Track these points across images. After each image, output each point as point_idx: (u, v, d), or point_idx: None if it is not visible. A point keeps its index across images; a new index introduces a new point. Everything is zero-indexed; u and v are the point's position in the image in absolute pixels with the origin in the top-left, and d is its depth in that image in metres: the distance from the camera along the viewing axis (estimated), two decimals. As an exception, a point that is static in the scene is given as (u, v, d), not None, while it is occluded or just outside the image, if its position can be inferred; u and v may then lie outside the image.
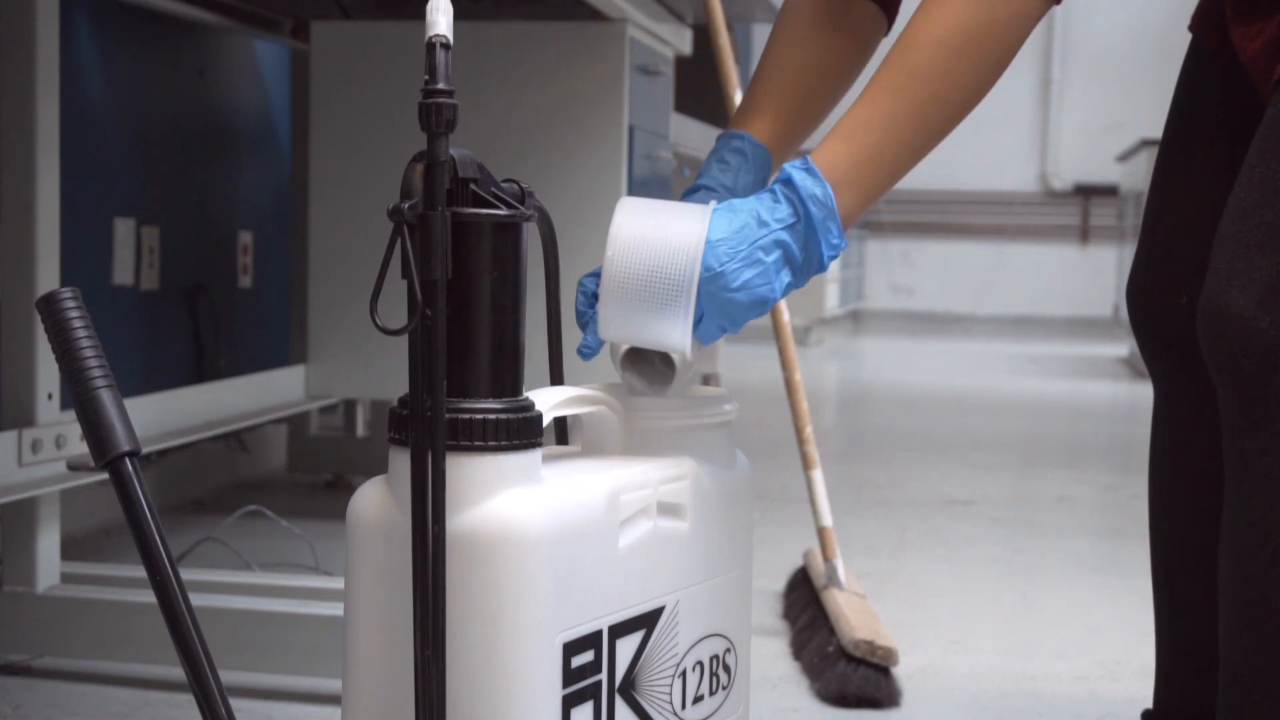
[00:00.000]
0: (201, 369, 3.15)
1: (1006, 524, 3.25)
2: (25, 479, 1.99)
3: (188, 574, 2.11)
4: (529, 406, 1.08)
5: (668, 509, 1.19)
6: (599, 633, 1.12)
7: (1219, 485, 1.29)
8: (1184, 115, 1.51)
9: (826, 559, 2.28)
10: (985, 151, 8.68)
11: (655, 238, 1.19)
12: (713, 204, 1.22)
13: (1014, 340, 8.66)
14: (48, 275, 2.10)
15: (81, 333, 1.06)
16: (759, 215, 1.19)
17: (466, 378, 1.07)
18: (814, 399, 5.64)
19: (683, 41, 3.30)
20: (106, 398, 1.06)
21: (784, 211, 1.20)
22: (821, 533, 2.30)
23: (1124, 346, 7.31)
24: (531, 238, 1.12)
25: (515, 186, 1.10)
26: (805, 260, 1.21)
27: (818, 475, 2.34)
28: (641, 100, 2.97)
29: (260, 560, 2.50)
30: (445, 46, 1.02)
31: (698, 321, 1.19)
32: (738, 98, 2.32)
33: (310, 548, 2.56)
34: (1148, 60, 8.25)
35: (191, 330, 3.14)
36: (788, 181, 1.20)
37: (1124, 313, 1.57)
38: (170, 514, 2.98)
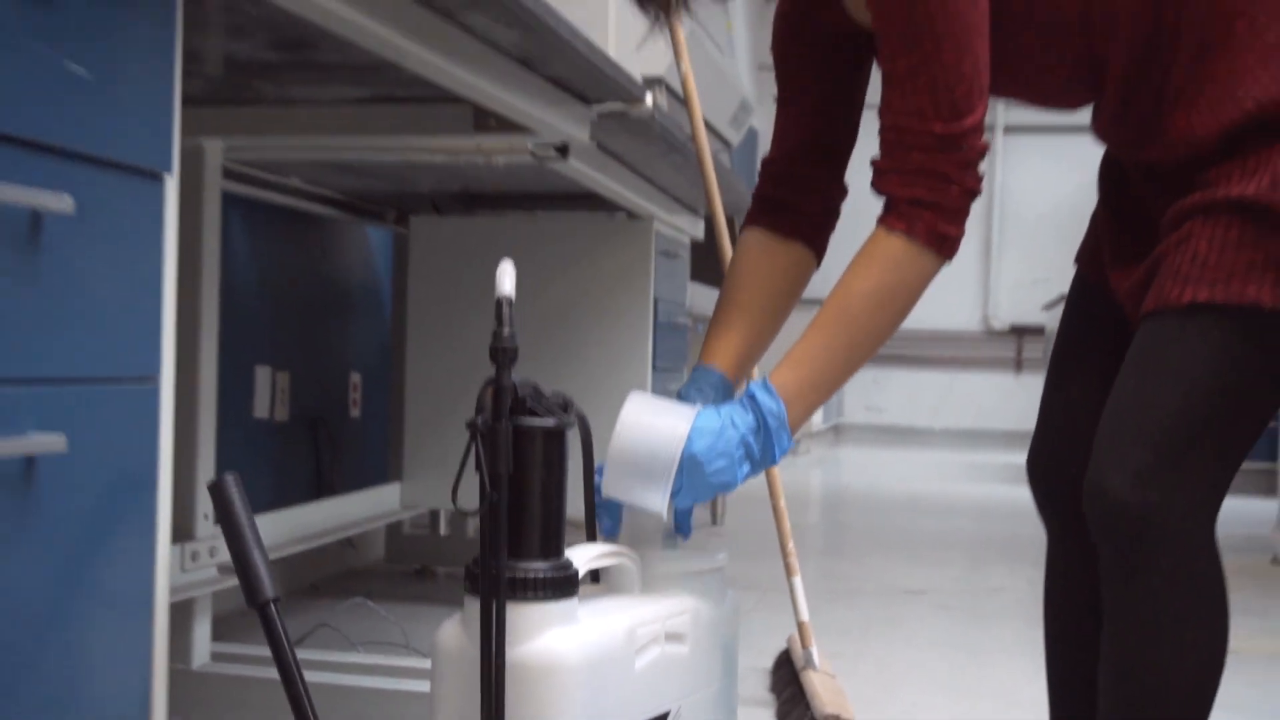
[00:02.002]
0: (320, 485, 3.16)
1: (953, 611, 3.19)
2: (186, 582, 2.04)
3: (306, 653, 2.14)
4: (568, 566, 1.11)
5: (673, 636, 1.21)
6: (621, 735, 1.14)
7: (1098, 617, 1.30)
8: (1075, 325, 1.50)
9: (804, 646, 2.29)
10: (939, 299, 8.37)
11: (652, 426, 1.21)
12: (699, 406, 1.25)
13: (963, 450, 8.52)
14: (207, 413, 2.16)
15: (240, 507, 1.10)
16: (732, 419, 1.22)
17: (522, 545, 1.10)
18: (800, 501, 5.54)
19: (696, 229, 3.35)
20: (257, 556, 1.09)
21: (750, 420, 1.23)
22: (800, 626, 2.31)
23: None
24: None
25: (562, 398, 1.13)
26: (762, 457, 1.23)
27: (797, 580, 2.36)
28: (664, 277, 3.03)
29: (363, 639, 2.50)
30: (509, 303, 1.07)
31: (676, 492, 1.21)
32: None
33: (401, 630, 2.57)
34: (1067, 228, 8.07)
35: (313, 454, 3.16)
36: (753, 398, 1.23)
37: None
38: (293, 598, 2.97)
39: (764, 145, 1.51)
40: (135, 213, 1.08)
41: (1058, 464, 1.45)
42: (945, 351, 9.08)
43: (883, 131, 1.24)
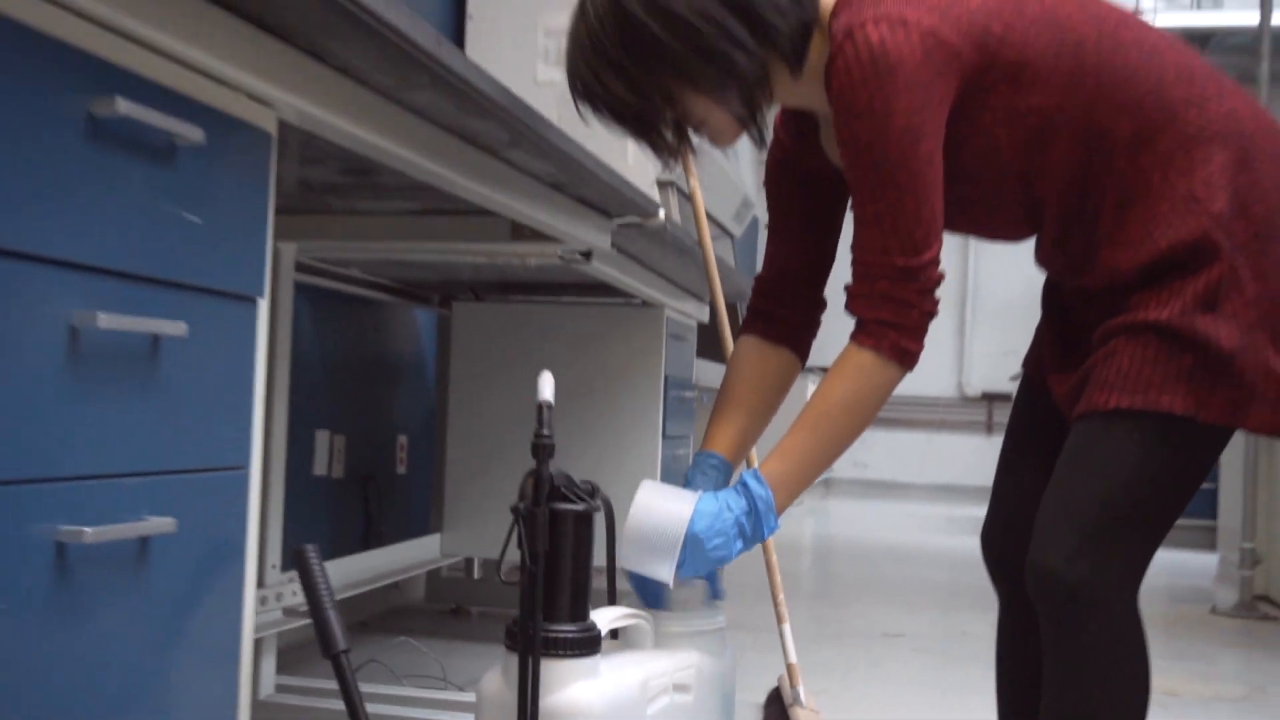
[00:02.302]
0: (369, 535, 3.17)
1: (928, 653, 3.16)
2: (259, 623, 2.08)
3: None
4: (592, 628, 1.16)
5: (680, 687, 1.25)
6: (634, 772, 1.17)
7: (1039, 669, 1.32)
8: (1022, 420, 1.52)
9: (793, 685, 2.28)
10: (919, 369, 8.29)
11: (659, 509, 1.26)
12: (700, 492, 1.29)
13: (940, 503, 8.42)
14: (276, 476, 2.22)
15: (317, 573, 1.16)
16: (728, 503, 1.27)
17: (554, 609, 1.14)
18: (794, 549, 5.47)
19: (702, 313, 3.38)
20: (331, 615, 1.15)
21: (743, 504, 1.27)
22: (789, 667, 2.30)
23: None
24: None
25: (590, 485, 1.18)
26: (753, 535, 1.28)
27: (786, 627, 2.35)
28: (674, 358, 3.07)
29: (406, 673, 2.51)
30: (549, 407, 1.13)
31: (681, 564, 1.26)
32: (730, 346, 2.40)
33: (440, 664, 2.58)
34: (1031, 306, 7.97)
35: (364, 507, 3.16)
36: (745, 485, 1.28)
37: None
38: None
39: (765, 231, 1.57)
40: (233, 331, 1.15)
41: (1006, 541, 1.48)
42: (924, 415, 9.07)
43: (854, 264, 1.29)
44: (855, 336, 1.29)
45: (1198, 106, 1.27)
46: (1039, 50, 1.27)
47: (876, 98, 1.22)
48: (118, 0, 0.97)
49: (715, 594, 1.37)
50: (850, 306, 1.30)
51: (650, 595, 1.33)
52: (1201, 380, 1.24)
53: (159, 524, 1.04)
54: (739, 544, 1.28)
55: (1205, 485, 4.98)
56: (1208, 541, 5.51)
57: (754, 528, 1.28)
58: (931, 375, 8.92)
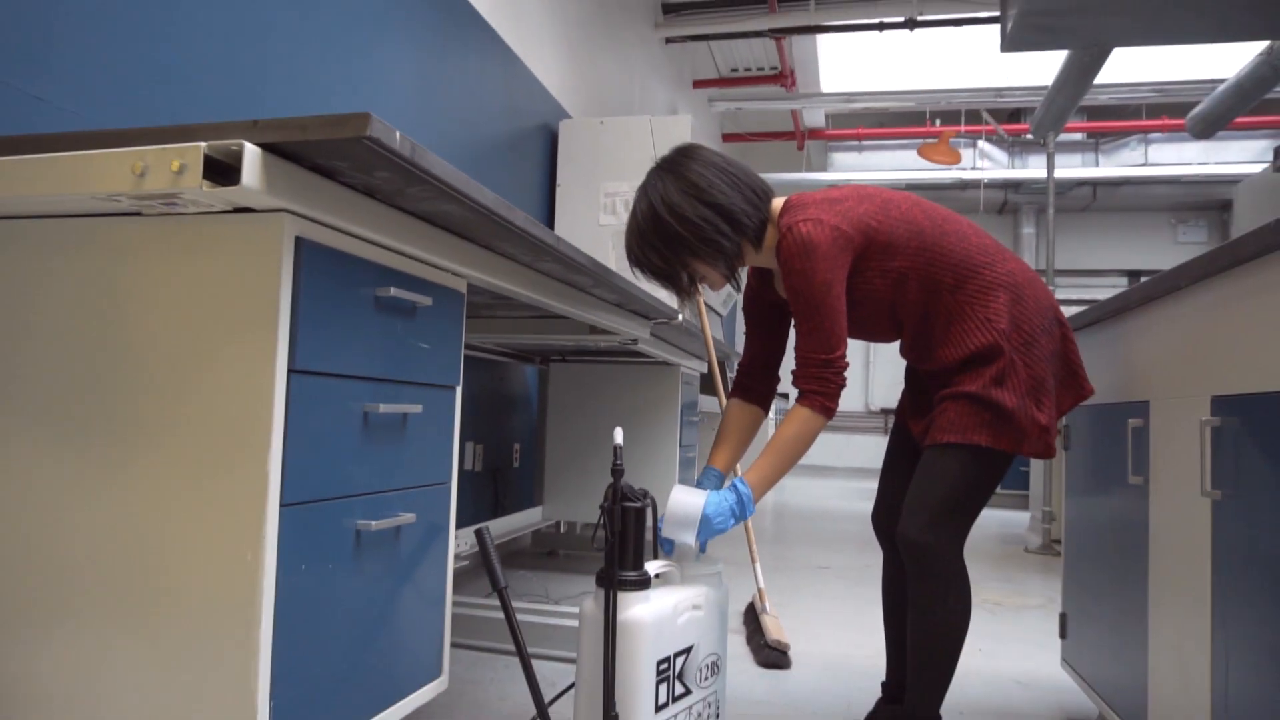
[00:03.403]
0: (497, 507, 3.20)
1: (847, 578, 3.14)
2: None
3: (496, 603, 2.23)
4: (645, 573, 1.24)
5: (696, 607, 1.31)
6: (669, 656, 1.24)
7: (905, 597, 1.41)
8: (895, 446, 1.54)
9: (761, 600, 2.31)
10: (844, 394, 8.44)
11: (685, 501, 1.32)
12: (708, 493, 1.36)
13: (853, 480, 8.23)
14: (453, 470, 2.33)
15: (489, 542, 1.27)
16: (725, 497, 1.33)
17: (624, 563, 1.23)
18: (762, 511, 5.37)
19: (702, 367, 3.37)
20: (497, 565, 1.26)
21: (734, 497, 1.33)
22: (759, 590, 2.34)
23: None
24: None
25: (644, 490, 1.27)
26: (740, 516, 1.33)
27: (758, 566, 2.42)
28: (686, 396, 3.09)
29: (523, 592, 2.55)
30: (620, 448, 1.22)
31: (698, 534, 1.32)
32: (722, 392, 2.47)
33: (544, 588, 2.63)
34: None
35: (493, 490, 3.19)
36: (735, 487, 1.35)
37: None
38: (482, 572, 2.99)
39: (743, 316, 1.63)
40: (444, 406, 1.28)
41: (887, 518, 1.54)
42: (844, 422, 9.01)
43: (796, 358, 1.36)
44: (798, 400, 1.38)
45: (990, 268, 1.38)
46: (898, 235, 1.38)
47: (806, 265, 1.32)
48: (393, 233, 1.13)
49: (702, 549, 1.43)
50: (795, 383, 1.37)
51: (666, 548, 1.40)
52: (996, 426, 1.32)
53: (406, 518, 1.17)
54: (731, 521, 1.35)
55: (1021, 468, 5.04)
56: (1023, 504, 5.53)
57: (741, 511, 1.34)
58: (848, 396, 8.92)
